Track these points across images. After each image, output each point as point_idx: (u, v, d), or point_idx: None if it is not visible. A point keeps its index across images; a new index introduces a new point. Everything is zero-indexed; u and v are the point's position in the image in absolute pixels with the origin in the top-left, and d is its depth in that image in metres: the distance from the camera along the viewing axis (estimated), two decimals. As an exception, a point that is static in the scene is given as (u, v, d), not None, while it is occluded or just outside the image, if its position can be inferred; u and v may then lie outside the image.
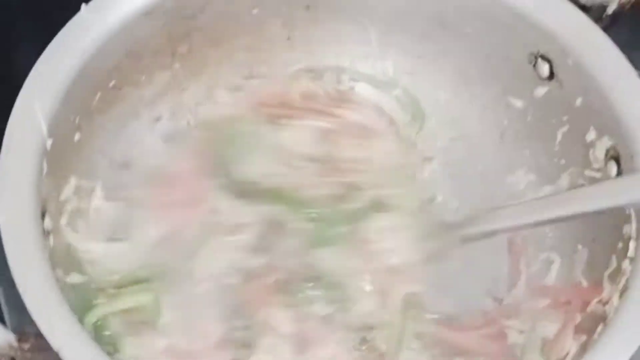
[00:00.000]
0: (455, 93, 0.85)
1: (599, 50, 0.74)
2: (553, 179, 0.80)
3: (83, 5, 0.72)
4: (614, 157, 0.73)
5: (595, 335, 0.66)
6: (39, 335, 0.62)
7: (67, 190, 0.74)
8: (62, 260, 0.71)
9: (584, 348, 0.67)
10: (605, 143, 0.74)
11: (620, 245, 0.70)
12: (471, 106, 0.85)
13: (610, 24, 0.79)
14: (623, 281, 0.68)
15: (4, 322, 0.72)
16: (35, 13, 0.86)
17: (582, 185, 0.76)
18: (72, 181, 0.75)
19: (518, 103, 0.81)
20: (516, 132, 0.83)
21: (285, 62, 0.86)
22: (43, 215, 0.68)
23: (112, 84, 0.76)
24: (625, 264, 0.69)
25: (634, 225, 0.69)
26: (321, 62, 0.86)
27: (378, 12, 0.83)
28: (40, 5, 0.84)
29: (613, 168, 0.73)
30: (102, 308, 0.72)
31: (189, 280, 0.74)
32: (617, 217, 0.71)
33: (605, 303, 0.69)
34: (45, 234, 0.68)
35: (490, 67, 0.82)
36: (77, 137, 0.74)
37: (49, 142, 0.69)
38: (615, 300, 0.67)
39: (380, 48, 0.86)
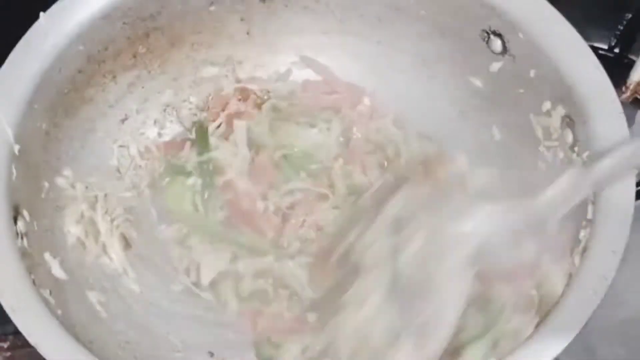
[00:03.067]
0: (416, 75, 0.87)
1: (547, 22, 0.76)
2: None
3: (41, 14, 0.74)
4: (569, 125, 0.75)
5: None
6: (17, 333, 0.64)
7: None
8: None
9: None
10: (559, 112, 0.75)
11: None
12: (431, 87, 0.87)
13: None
14: (583, 242, 0.70)
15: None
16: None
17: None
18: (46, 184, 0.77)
19: (476, 80, 0.83)
20: (475, 107, 0.85)
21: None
22: (15, 219, 0.70)
23: (75, 87, 0.78)
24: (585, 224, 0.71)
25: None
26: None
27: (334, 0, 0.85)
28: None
29: (569, 135, 0.75)
30: None
31: None
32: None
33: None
34: (19, 236, 0.70)
35: (446, 47, 0.84)
36: (45, 141, 0.76)
37: (17, 148, 0.71)
38: (577, 260, 0.69)
39: (340, 37, 0.87)
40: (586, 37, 0.75)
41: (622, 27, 0.88)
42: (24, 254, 0.68)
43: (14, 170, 0.71)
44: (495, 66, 0.80)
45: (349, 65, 0.88)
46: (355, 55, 0.88)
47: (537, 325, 0.67)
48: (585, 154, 0.72)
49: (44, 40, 0.74)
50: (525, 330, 0.67)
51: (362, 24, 0.86)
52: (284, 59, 0.89)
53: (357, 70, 0.88)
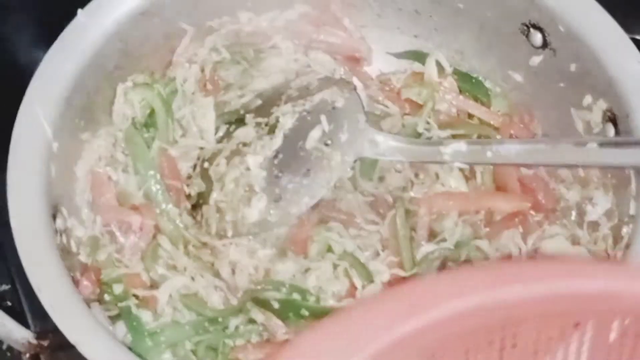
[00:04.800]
0: (454, 68, 0.86)
1: (588, 15, 0.75)
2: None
3: (79, 11, 0.74)
4: (611, 119, 0.74)
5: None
6: (57, 332, 0.64)
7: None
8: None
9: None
10: (601, 106, 0.74)
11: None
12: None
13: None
14: (626, 238, 0.69)
15: (27, 323, 0.74)
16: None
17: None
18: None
19: (516, 75, 0.82)
20: (515, 102, 0.84)
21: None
22: (54, 216, 0.70)
23: (113, 83, 0.78)
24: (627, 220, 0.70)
25: (633, 185, 0.70)
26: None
27: (373, -7, 0.85)
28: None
29: (610, 130, 0.74)
30: None
31: None
32: (619, 178, 0.73)
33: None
34: (57, 233, 0.70)
35: (485, 41, 0.83)
36: (83, 137, 0.77)
37: (55, 145, 0.71)
38: (619, 256, 0.69)
39: (377, 31, 0.87)
40: (628, 30, 0.74)
41: (664, 20, 0.86)
42: (63, 251, 0.69)
43: (53, 168, 0.71)
44: (536, 60, 0.79)
45: (386, 59, 0.88)
46: (392, 49, 0.88)
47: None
48: (627, 149, 0.71)
49: (82, 37, 0.74)
50: None
51: (399, 18, 0.86)
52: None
53: (394, 64, 0.88)
